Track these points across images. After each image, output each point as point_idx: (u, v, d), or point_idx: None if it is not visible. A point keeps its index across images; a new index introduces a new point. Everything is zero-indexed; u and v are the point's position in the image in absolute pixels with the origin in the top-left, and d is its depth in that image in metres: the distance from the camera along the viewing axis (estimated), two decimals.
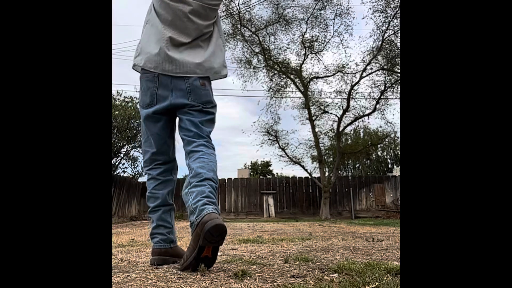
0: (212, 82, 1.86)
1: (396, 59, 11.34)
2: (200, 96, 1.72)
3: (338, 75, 12.65)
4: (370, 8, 11.52)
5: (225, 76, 1.89)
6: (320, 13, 11.91)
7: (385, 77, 12.08)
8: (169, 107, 1.73)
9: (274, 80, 12.95)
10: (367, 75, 12.14)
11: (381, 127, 14.80)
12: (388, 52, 11.54)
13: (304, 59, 12.57)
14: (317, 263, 1.64)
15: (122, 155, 11.93)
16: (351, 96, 12.18)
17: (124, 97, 11.72)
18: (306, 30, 12.22)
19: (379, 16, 11.20)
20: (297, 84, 12.61)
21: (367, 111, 12.52)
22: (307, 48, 12.42)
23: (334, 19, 11.97)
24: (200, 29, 1.79)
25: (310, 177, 13.12)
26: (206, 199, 1.48)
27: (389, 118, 12.96)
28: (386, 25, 11.16)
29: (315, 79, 12.80)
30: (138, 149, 12.26)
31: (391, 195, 13.35)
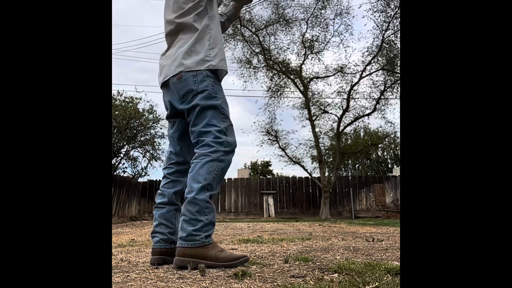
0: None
1: (396, 59, 11.34)
2: (179, 91, 1.70)
3: (338, 75, 12.65)
4: (370, 9, 11.51)
5: (210, 70, 1.71)
6: (321, 13, 11.91)
7: (385, 77, 12.08)
8: (171, 112, 1.82)
9: (274, 80, 12.95)
10: (367, 75, 12.15)
11: (381, 127, 14.81)
12: (388, 52, 11.53)
13: (304, 59, 12.57)
14: (317, 263, 1.64)
15: (122, 155, 11.94)
16: (351, 96, 12.18)
17: (124, 97, 11.74)
18: (306, 30, 12.22)
19: (379, 16, 11.20)
20: (297, 84, 12.61)
21: (367, 111, 12.52)
22: (307, 48, 12.42)
23: (334, 19, 11.97)
24: (171, 22, 1.78)
25: (310, 177, 13.12)
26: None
27: (389, 118, 12.93)
28: (386, 25, 11.16)
29: (315, 79, 12.80)
30: (138, 149, 12.27)
31: (391, 195, 13.35)
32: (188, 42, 1.72)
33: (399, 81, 11.24)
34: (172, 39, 1.81)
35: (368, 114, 12.46)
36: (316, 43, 12.41)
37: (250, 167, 28.19)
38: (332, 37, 12.39)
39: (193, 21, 1.75)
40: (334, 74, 12.65)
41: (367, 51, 11.94)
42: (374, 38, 11.85)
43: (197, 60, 1.70)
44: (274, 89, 12.94)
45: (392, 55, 11.42)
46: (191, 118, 1.69)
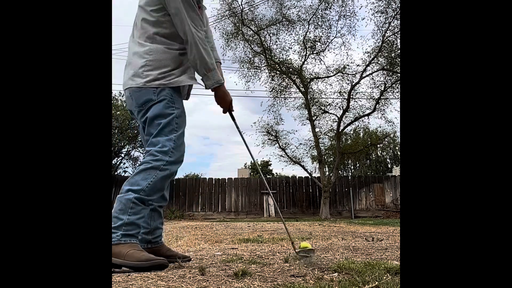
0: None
1: (396, 59, 11.33)
2: None
3: (338, 75, 12.64)
4: (371, 9, 11.53)
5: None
6: (325, 13, 11.87)
7: (385, 77, 12.07)
8: None
9: (275, 80, 12.93)
10: (367, 75, 12.14)
11: (380, 126, 14.81)
12: (389, 52, 11.52)
13: (305, 59, 12.56)
14: (317, 263, 1.65)
15: (123, 155, 11.94)
16: (351, 96, 12.17)
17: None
18: (308, 30, 12.19)
19: (380, 16, 11.20)
20: (298, 84, 12.60)
21: (367, 111, 12.52)
22: (307, 49, 12.40)
23: (338, 20, 11.96)
24: None
25: (310, 177, 13.12)
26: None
27: (389, 118, 12.88)
28: (387, 26, 11.16)
29: (315, 79, 12.78)
30: (139, 149, 12.27)
31: (391, 195, 13.35)
32: None
33: (399, 81, 11.23)
34: None
35: (368, 114, 12.45)
36: (318, 43, 12.39)
37: (250, 167, 28.20)
38: (334, 37, 12.37)
39: None
40: (335, 74, 12.64)
41: (367, 51, 11.94)
42: (375, 42, 11.83)
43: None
44: (277, 90, 12.93)
45: (392, 55, 11.41)
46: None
